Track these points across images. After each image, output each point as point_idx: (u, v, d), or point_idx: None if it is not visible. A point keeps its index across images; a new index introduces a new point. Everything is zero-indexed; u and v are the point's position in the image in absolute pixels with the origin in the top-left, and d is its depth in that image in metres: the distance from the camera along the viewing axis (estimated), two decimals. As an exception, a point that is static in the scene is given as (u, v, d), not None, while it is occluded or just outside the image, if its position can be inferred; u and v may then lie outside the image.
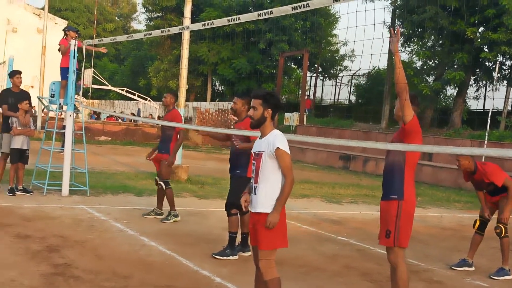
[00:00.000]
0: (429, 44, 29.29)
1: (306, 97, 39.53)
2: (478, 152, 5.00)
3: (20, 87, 11.75)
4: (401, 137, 5.61)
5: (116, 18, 78.04)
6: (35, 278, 6.19)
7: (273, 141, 5.13)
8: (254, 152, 5.31)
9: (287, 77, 40.95)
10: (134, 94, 42.70)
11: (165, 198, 10.09)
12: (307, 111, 36.64)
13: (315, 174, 21.10)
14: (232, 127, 9.57)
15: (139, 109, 42.52)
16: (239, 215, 7.96)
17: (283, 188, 5.13)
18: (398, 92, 5.51)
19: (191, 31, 15.74)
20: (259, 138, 5.33)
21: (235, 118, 8.47)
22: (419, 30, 28.97)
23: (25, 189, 11.42)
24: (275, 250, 5.20)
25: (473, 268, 8.26)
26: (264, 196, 5.14)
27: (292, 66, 43.50)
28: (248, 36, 39.41)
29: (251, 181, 5.31)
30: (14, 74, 11.69)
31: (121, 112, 39.91)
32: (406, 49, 31.00)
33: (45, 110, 13.35)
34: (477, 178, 8.11)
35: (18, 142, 11.17)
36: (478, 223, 8.36)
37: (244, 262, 7.55)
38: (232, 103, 8.29)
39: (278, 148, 5.09)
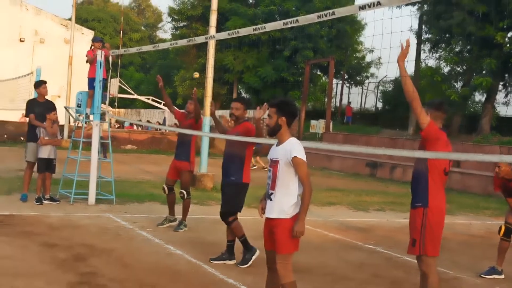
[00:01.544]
0: (456, 49, 28.99)
1: (347, 103, 39.51)
2: (507, 159, 4.88)
3: (46, 97, 11.85)
4: (423, 145, 5.56)
5: (142, 27, 78.71)
6: (62, 287, 6.21)
7: (290, 149, 5.21)
8: (270, 159, 5.38)
9: (312, 85, 40.84)
10: (160, 103, 42.90)
11: (172, 203, 10.07)
12: (347, 119, 36.56)
13: (342, 182, 20.96)
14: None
15: (165, 118, 42.70)
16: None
17: (302, 197, 5.22)
18: (408, 101, 5.44)
19: (216, 40, 15.78)
20: (276, 145, 5.39)
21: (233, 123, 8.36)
22: (446, 35, 28.73)
23: (52, 198, 11.50)
24: (292, 254, 5.29)
25: (502, 276, 8.12)
26: (281, 202, 5.24)
27: (318, 73, 43.41)
28: (274, 44, 39.41)
29: (267, 187, 5.37)
30: (40, 84, 11.80)
31: (147, 121, 40.05)
32: (434, 55, 30.77)
33: (77, 122, 13.44)
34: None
35: (45, 152, 11.26)
36: (503, 229, 8.20)
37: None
38: (232, 109, 8.06)
39: (295, 156, 5.17)
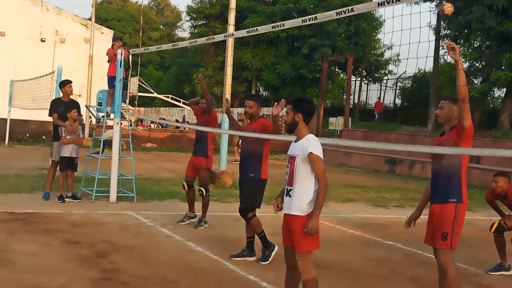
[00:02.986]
0: (475, 45, 28.79)
1: (377, 99, 39.24)
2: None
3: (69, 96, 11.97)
4: (457, 141, 5.54)
5: (161, 26, 79.06)
6: (85, 283, 6.30)
7: (306, 145, 5.21)
8: (289, 155, 5.39)
9: (330, 82, 40.76)
10: (179, 101, 43.11)
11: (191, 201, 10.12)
12: (377, 115, 36.27)
13: (361, 178, 20.94)
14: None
15: (184, 116, 42.88)
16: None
17: (317, 194, 5.19)
18: (462, 95, 5.49)
19: (235, 38, 15.82)
20: (294, 142, 5.40)
21: (248, 121, 8.40)
22: (465, 31, 28.54)
23: (74, 196, 11.63)
24: (312, 251, 5.28)
25: (511, 272, 8.07)
26: (299, 199, 5.22)
27: (336, 70, 43.32)
28: (292, 42, 39.38)
29: (285, 183, 5.37)
30: (65, 84, 11.88)
31: (162, 119, 40.23)
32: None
33: (100, 120, 13.55)
34: (507, 202, 7.96)
35: (67, 151, 11.39)
36: (496, 225, 8.08)
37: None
38: (246, 107, 8.09)
39: (311, 152, 5.16)
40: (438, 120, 5.96)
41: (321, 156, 5.21)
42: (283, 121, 5.43)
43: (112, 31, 47.69)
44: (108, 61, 12.43)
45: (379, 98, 39.68)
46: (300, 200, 5.20)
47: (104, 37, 43.44)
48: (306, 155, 5.17)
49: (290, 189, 5.28)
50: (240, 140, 11.99)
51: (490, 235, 10.65)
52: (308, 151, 5.16)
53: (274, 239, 7.88)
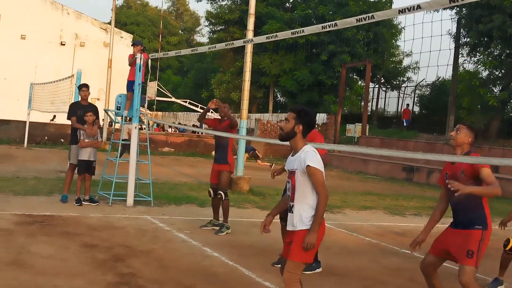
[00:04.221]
0: (495, 53, 28.62)
1: (406, 106, 38.72)
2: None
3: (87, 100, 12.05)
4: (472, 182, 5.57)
5: (180, 31, 79.37)
6: (102, 287, 6.32)
7: (304, 158, 5.02)
8: (288, 170, 5.21)
9: (348, 88, 40.68)
10: (196, 106, 43.24)
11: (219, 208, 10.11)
12: (405, 122, 35.77)
13: (378, 186, 20.84)
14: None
15: (201, 121, 42.95)
16: None
17: (317, 206, 5.00)
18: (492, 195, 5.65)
19: (254, 44, 15.85)
20: (291, 155, 5.23)
21: None
22: (485, 39, 28.38)
23: (92, 199, 11.68)
24: (303, 265, 5.10)
25: (503, 286, 7.92)
26: (301, 214, 5.04)
27: (354, 77, 43.24)
28: (311, 48, 39.37)
29: (288, 199, 5.20)
30: (80, 88, 12.01)
31: (179, 123, 40.36)
32: (472, 59, 30.43)
33: (117, 124, 13.62)
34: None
35: (86, 154, 11.45)
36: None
37: (309, 275, 7.50)
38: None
39: (308, 165, 4.97)
40: (451, 142, 5.86)
41: (320, 168, 5.01)
42: (279, 127, 5.24)
43: (131, 36, 47.97)
44: (129, 65, 12.50)
45: (408, 105, 38.93)
46: (303, 215, 5.02)
47: (123, 41, 43.71)
48: (304, 168, 4.99)
49: (292, 205, 5.11)
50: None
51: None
52: (306, 163, 4.97)
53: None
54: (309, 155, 5.03)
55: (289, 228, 5.16)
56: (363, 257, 8.93)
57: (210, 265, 7.66)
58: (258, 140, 13.52)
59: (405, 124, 35.83)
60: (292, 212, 5.10)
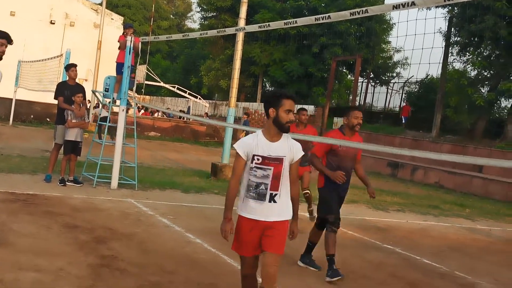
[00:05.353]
0: (485, 54, 28.73)
1: (404, 103, 38.29)
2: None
3: (75, 80, 11.97)
4: None
5: (171, 16, 78.93)
6: (82, 268, 6.29)
7: (296, 147, 4.91)
8: (269, 156, 4.81)
9: (337, 82, 40.67)
10: (185, 92, 43.05)
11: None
12: (404, 119, 35.37)
13: (362, 180, 20.85)
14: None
15: (189, 107, 42.88)
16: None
17: (295, 197, 4.97)
18: None
19: (245, 32, 15.78)
20: (270, 141, 4.86)
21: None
22: (476, 39, 28.48)
23: (76, 180, 11.64)
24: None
25: None
26: (286, 203, 4.90)
27: (344, 71, 43.23)
28: (302, 39, 39.31)
29: (263, 188, 4.83)
30: (69, 67, 11.91)
31: (167, 109, 40.25)
32: (461, 58, 30.54)
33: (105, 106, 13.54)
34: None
35: (72, 134, 11.39)
36: None
37: (289, 265, 7.52)
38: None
39: (300, 155, 4.92)
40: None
41: None
42: (290, 120, 4.87)
43: (122, 18, 47.62)
44: (119, 48, 12.42)
45: (406, 101, 38.48)
46: (287, 204, 4.90)
47: (114, 23, 43.43)
48: (299, 156, 4.89)
49: (276, 194, 4.82)
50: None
51: (490, 245, 10.63)
52: (300, 152, 4.89)
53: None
54: (297, 143, 4.96)
55: (268, 219, 4.84)
56: (346, 250, 8.95)
57: (192, 251, 7.66)
58: (246, 129, 13.51)
59: (403, 121, 35.39)
60: (275, 202, 4.82)
